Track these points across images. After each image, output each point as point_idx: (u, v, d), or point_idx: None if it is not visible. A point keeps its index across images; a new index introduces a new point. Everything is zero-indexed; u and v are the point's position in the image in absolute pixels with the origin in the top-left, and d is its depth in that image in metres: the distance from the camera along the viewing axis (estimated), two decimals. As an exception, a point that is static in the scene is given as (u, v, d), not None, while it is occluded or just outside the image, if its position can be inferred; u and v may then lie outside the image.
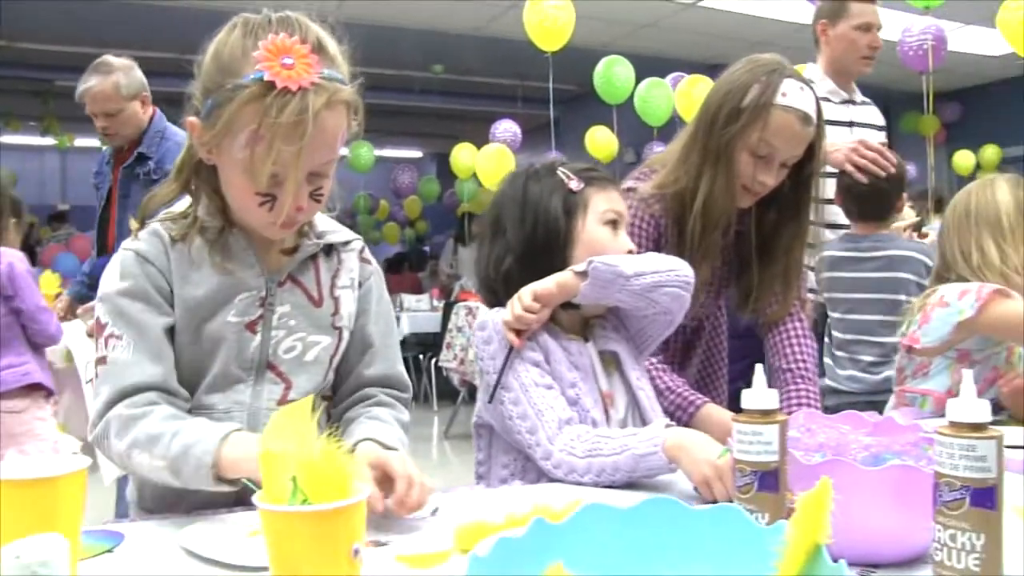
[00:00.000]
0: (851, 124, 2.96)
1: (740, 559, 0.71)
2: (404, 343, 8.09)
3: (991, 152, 9.19)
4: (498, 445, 1.51)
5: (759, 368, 0.92)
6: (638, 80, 6.17)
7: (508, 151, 6.56)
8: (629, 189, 1.81)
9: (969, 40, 8.01)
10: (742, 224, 1.88)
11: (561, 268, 1.47)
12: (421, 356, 7.61)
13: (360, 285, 1.40)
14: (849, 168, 2.49)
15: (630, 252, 1.51)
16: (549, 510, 1.01)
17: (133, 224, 1.30)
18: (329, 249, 1.38)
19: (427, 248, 13.91)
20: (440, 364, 6.57)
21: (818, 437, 1.05)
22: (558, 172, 1.54)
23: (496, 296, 1.54)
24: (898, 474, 0.88)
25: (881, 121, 3.10)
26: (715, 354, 2.08)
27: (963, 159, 9.42)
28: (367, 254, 1.44)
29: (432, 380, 7.30)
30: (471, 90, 10.54)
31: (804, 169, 1.79)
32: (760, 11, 7.02)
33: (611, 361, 1.54)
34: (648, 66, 6.29)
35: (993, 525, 0.78)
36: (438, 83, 9.98)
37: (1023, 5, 4.91)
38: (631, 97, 6.14)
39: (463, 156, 7.76)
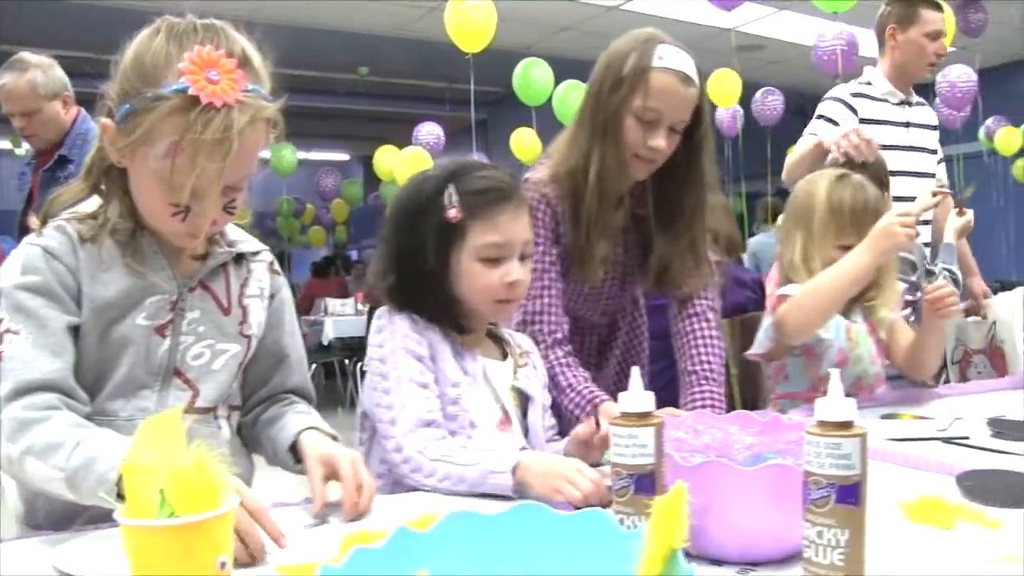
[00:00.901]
0: (908, 125, 3.03)
1: (606, 564, 0.71)
2: (329, 348, 8.02)
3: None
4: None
5: (635, 371, 0.92)
6: (560, 82, 6.21)
7: (426, 154, 6.54)
8: (525, 179, 1.80)
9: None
10: (643, 207, 1.86)
11: (444, 299, 1.46)
12: (347, 360, 7.54)
13: (272, 297, 1.40)
14: (834, 150, 2.49)
15: (510, 283, 1.45)
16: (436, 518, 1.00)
17: (34, 222, 1.25)
18: (239, 258, 1.37)
19: (355, 251, 13.83)
20: (365, 368, 6.48)
21: (703, 438, 1.06)
22: (445, 191, 1.44)
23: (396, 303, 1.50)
24: (773, 473, 0.89)
25: (935, 120, 3.16)
26: (634, 355, 2.07)
27: (877, 160, 9.68)
28: (276, 266, 1.43)
29: (357, 384, 7.20)
30: (397, 92, 10.49)
31: (693, 136, 1.78)
32: (680, 15, 7.12)
33: (518, 398, 1.54)
34: (571, 68, 6.32)
35: (857, 521, 0.79)
36: (364, 85, 9.91)
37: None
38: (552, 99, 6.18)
39: (386, 158, 7.71)
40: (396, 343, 1.43)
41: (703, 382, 1.82)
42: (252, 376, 1.39)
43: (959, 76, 5.71)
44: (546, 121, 6.42)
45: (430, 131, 7.12)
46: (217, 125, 1.08)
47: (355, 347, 7.26)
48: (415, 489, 1.32)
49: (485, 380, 1.49)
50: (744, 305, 3.20)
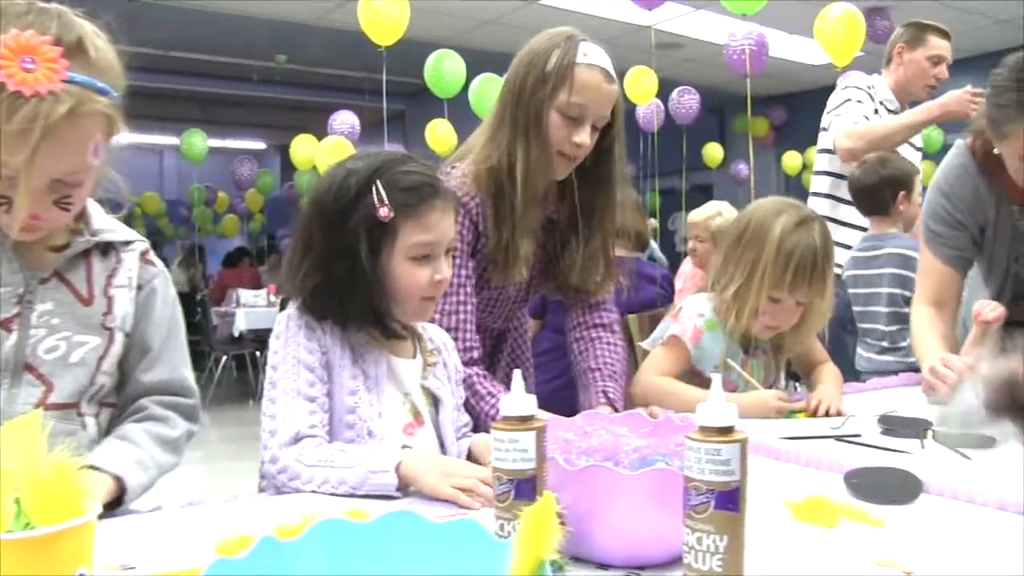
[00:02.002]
0: None
1: (477, 572, 0.69)
2: (240, 339, 7.87)
3: (815, 155, 9.67)
4: None
5: (517, 373, 0.91)
6: (477, 75, 6.18)
7: (347, 143, 6.43)
8: None
9: (795, 48, 8.40)
10: (553, 210, 1.87)
11: (376, 300, 1.41)
12: (258, 352, 7.41)
13: (140, 287, 1.33)
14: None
15: (439, 281, 1.43)
16: (359, 514, 0.97)
17: None
18: (107, 248, 1.31)
19: (273, 241, 13.62)
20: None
21: (591, 440, 1.05)
22: (373, 188, 1.39)
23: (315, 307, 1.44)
24: (656, 478, 0.88)
25: (919, 143, 3.54)
26: (521, 359, 2.09)
27: (791, 160, 9.91)
28: (151, 256, 1.37)
29: (269, 377, 7.08)
30: (316, 81, 10.32)
31: (605, 138, 1.79)
32: (600, 11, 7.15)
33: (430, 400, 1.52)
34: (489, 61, 6.30)
35: (736, 526, 0.79)
36: (282, 73, 9.73)
37: (838, 17, 5.18)
38: (466, 91, 6.15)
39: (302, 148, 7.59)
40: (289, 351, 1.40)
41: (607, 379, 1.85)
42: (123, 371, 1.33)
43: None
44: (462, 113, 6.41)
45: (345, 120, 7.00)
46: (23, 115, 1.02)
47: (267, 339, 7.07)
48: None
49: (392, 380, 1.46)
50: (653, 301, 3.23)
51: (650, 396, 1.83)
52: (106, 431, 1.32)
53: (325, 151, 6.56)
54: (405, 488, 1.23)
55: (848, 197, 3.38)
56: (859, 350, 3.10)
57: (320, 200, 1.43)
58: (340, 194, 1.40)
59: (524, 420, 0.88)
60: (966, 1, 7.09)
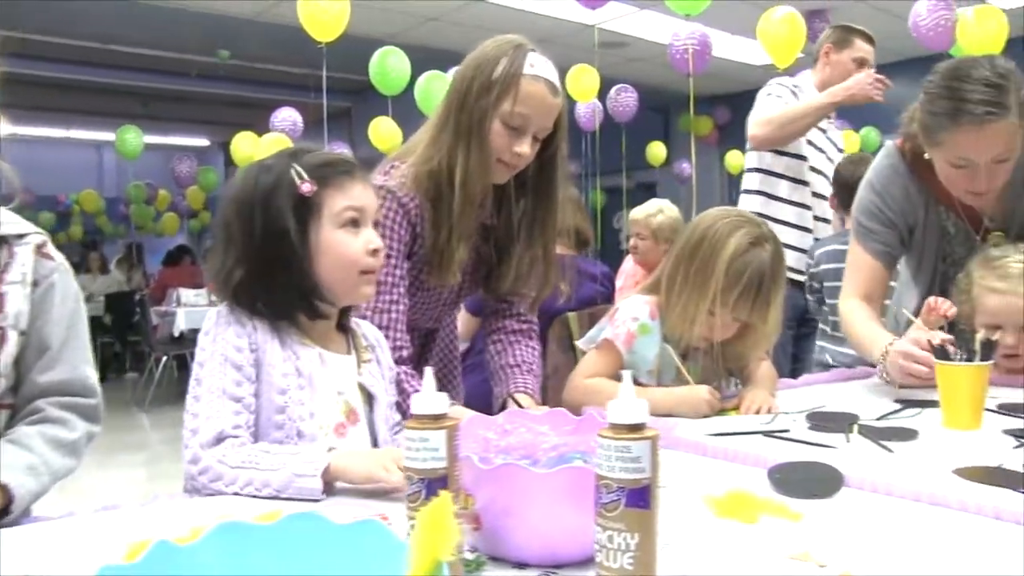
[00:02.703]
0: (823, 130, 3.58)
1: (379, 573, 0.67)
2: (181, 339, 7.74)
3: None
4: None
5: (428, 372, 0.90)
6: (422, 72, 6.14)
7: (288, 140, 6.35)
8: (379, 187, 1.76)
9: (739, 49, 8.50)
10: (489, 216, 1.88)
11: (304, 282, 1.40)
12: (199, 352, 7.27)
13: (36, 283, 1.29)
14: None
15: (375, 251, 1.44)
16: (268, 516, 0.95)
17: None
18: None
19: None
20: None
21: (510, 438, 1.04)
22: (291, 170, 1.40)
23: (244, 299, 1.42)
24: (569, 476, 0.87)
25: (840, 143, 3.75)
26: (448, 358, 2.10)
27: (734, 159, 10.01)
28: (49, 249, 1.33)
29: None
30: (260, 77, 10.19)
31: (549, 147, 1.81)
32: (544, 9, 7.15)
33: (364, 397, 1.50)
34: (434, 59, 6.27)
35: (646, 524, 0.78)
36: (225, 69, 9.58)
37: (780, 19, 5.24)
38: (411, 89, 6.10)
39: (244, 145, 7.46)
40: (216, 348, 1.37)
41: (526, 375, 1.88)
42: (19, 371, 1.28)
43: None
44: (407, 111, 6.36)
45: (287, 117, 6.90)
46: None
47: (208, 339, 7.00)
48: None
49: (326, 378, 1.44)
50: (593, 298, 3.24)
51: (581, 398, 1.83)
52: (1, 433, 1.28)
53: (266, 148, 6.45)
54: (331, 491, 1.21)
55: (780, 194, 3.47)
56: (826, 343, 3.17)
57: (238, 195, 1.42)
58: (258, 185, 1.40)
59: (435, 419, 0.87)
60: (897, 2, 7.22)
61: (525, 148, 1.73)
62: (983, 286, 1.99)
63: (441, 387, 2.09)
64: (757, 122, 3.35)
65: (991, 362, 1.67)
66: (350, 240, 1.42)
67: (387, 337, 1.70)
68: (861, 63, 3.46)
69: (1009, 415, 1.71)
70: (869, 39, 3.52)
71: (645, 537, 0.78)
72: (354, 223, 1.43)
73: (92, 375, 1.36)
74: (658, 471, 0.79)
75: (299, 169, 1.39)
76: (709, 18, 6.19)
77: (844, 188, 3.16)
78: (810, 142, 3.52)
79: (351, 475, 1.21)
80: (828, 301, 3.17)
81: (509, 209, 1.87)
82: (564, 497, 0.88)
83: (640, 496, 0.77)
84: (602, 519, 0.79)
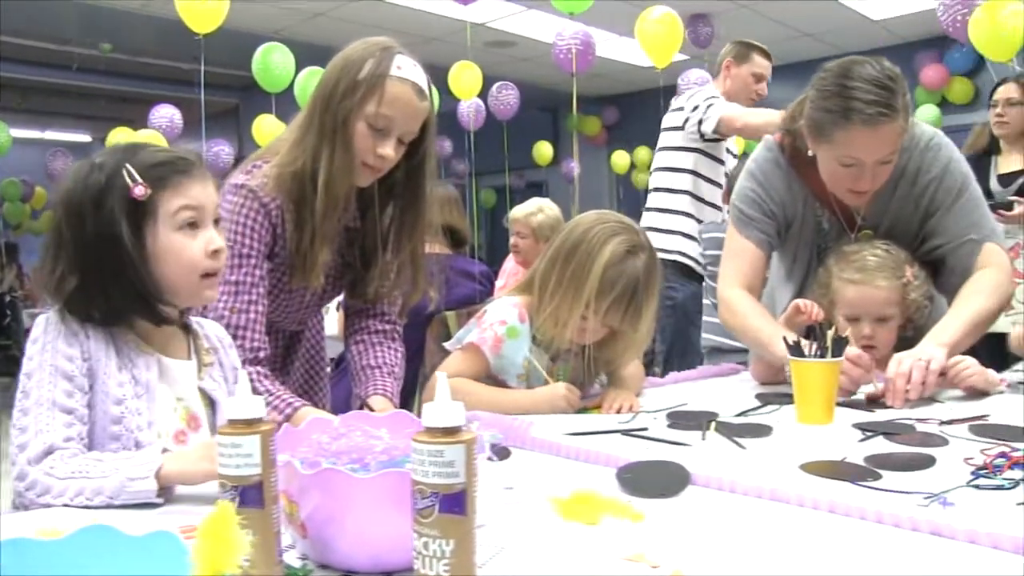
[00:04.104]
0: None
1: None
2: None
3: (643, 154, 9.97)
4: None
5: (243, 374, 0.86)
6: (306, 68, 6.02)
7: (163, 138, 6.14)
8: (240, 186, 1.73)
9: (626, 50, 8.61)
10: (364, 220, 1.86)
11: (143, 288, 1.32)
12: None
13: None
14: None
15: (215, 252, 1.37)
16: (52, 532, 0.89)
17: None
18: None
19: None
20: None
21: (342, 442, 1.01)
22: (123, 171, 1.32)
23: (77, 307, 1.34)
24: (392, 481, 0.84)
25: (736, 149, 4.03)
26: (316, 360, 2.07)
27: (620, 159, 10.16)
28: None
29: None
30: (143, 72, 9.83)
31: (417, 153, 1.79)
32: (429, 7, 7.11)
33: (206, 402, 1.45)
34: (319, 55, 6.13)
35: (462, 530, 0.76)
36: (107, 63, 9.20)
37: (658, 20, 5.33)
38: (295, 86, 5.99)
39: (121, 141, 7.21)
40: (45, 358, 1.29)
41: (386, 376, 1.86)
42: None
43: (698, 78, 6.09)
44: (292, 109, 6.22)
45: (164, 114, 6.68)
46: None
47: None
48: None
49: (164, 384, 1.38)
50: (472, 297, 3.23)
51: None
52: None
53: (140, 144, 6.25)
54: (169, 492, 1.16)
55: (705, 196, 3.68)
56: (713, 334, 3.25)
57: (67, 199, 1.34)
58: (88, 186, 1.32)
59: (249, 424, 0.82)
60: (778, 4, 7.44)
61: (389, 151, 1.70)
62: (841, 278, 2.04)
63: (306, 390, 2.08)
64: (734, 116, 3.54)
65: (842, 358, 1.71)
66: (188, 243, 1.36)
67: (244, 338, 1.67)
68: (759, 78, 3.74)
69: (855, 408, 1.77)
70: (766, 55, 3.79)
71: (461, 544, 0.75)
72: (192, 224, 1.36)
73: None
74: (474, 476, 0.77)
75: (131, 170, 1.32)
76: (596, 18, 6.26)
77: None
78: (728, 149, 3.80)
79: (189, 477, 1.16)
80: (712, 283, 3.30)
81: (375, 213, 1.85)
82: (388, 502, 0.85)
83: (455, 502, 0.75)
84: (418, 525, 0.76)
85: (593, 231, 1.83)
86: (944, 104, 8.28)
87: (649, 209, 3.83)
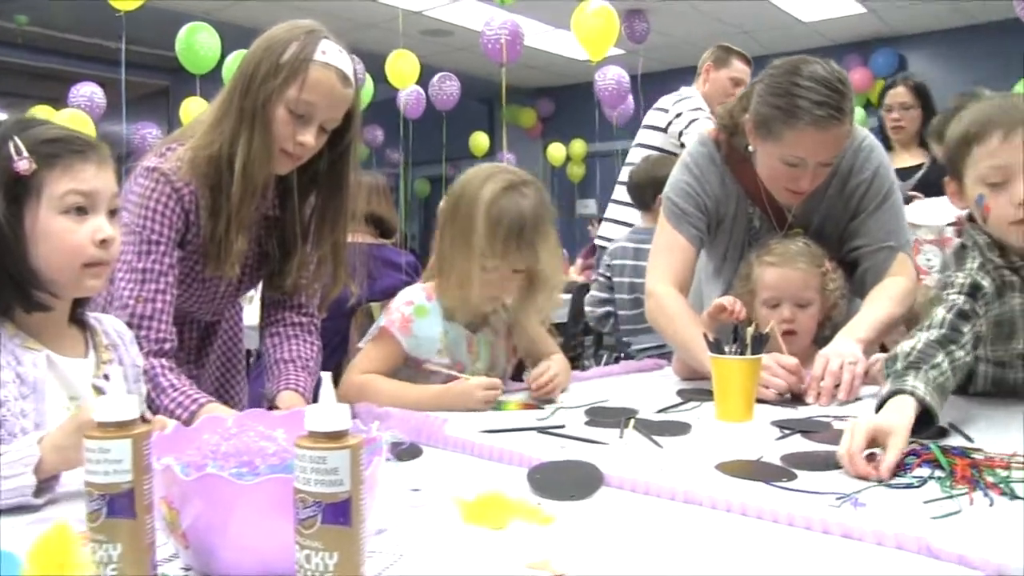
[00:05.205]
0: None
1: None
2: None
3: (578, 146, 9.99)
4: None
5: (116, 372, 0.80)
6: (233, 51, 5.87)
7: (85, 116, 5.93)
8: (152, 168, 1.65)
9: (561, 42, 8.60)
10: (284, 210, 1.80)
11: (24, 274, 1.24)
12: None
13: None
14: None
15: (103, 241, 1.28)
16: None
17: None
18: None
19: None
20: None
21: (233, 442, 0.95)
22: (9, 143, 1.23)
23: None
24: (276, 487, 0.79)
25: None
26: (232, 352, 2.01)
27: (556, 151, 10.16)
28: None
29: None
30: (63, 48, 9.49)
31: (341, 142, 1.74)
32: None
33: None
34: (246, 36, 5.97)
35: (347, 543, 0.71)
36: (24, 36, 8.86)
37: (594, 13, 5.31)
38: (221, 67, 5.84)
39: (40, 120, 6.96)
40: None
41: (300, 371, 1.79)
42: None
43: (615, 76, 6.08)
44: (218, 91, 6.08)
45: (85, 92, 6.44)
46: None
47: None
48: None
49: (56, 383, 1.29)
50: (397, 288, 3.15)
51: (356, 395, 1.75)
52: None
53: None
54: (50, 488, 1.08)
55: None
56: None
57: None
58: None
59: (120, 426, 0.76)
60: (718, 3, 7.49)
61: (309, 138, 1.64)
62: (762, 262, 2.04)
63: (222, 384, 2.00)
64: None
65: (761, 355, 1.69)
66: (72, 228, 1.26)
67: (149, 328, 1.59)
68: (737, 83, 3.71)
69: (776, 405, 1.76)
70: (746, 60, 3.83)
71: (345, 556, 0.71)
72: (80, 210, 1.27)
73: None
74: (361, 483, 0.72)
75: (18, 143, 1.23)
76: (531, 10, 6.21)
77: (631, 190, 3.50)
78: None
79: (74, 460, 1.05)
80: (618, 295, 3.42)
81: (294, 203, 1.79)
82: (273, 510, 0.79)
83: (339, 512, 0.70)
84: (300, 536, 0.71)
85: (470, 180, 1.85)
86: (868, 106, 8.46)
87: (616, 202, 3.85)
